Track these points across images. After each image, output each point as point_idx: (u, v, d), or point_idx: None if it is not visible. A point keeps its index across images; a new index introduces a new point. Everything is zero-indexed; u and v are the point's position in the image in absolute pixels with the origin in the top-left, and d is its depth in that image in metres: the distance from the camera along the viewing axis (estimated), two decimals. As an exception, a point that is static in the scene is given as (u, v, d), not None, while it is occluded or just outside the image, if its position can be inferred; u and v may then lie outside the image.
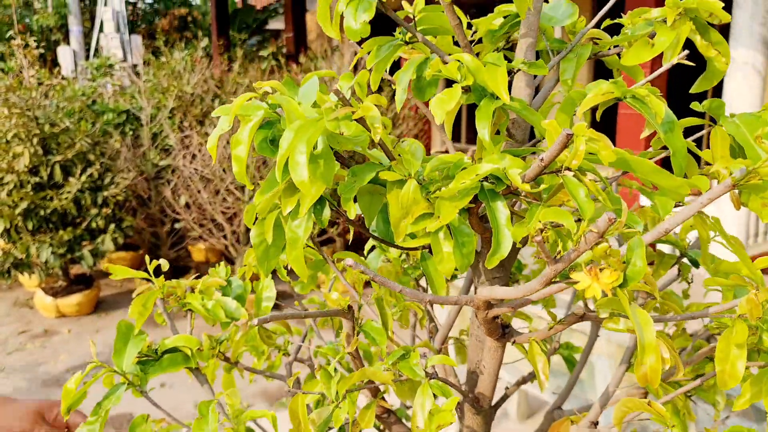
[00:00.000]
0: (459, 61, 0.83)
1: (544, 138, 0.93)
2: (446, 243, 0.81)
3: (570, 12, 0.95)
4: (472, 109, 0.84)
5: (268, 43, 11.92)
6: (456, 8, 0.94)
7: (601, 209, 0.81)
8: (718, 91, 4.50)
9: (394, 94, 1.08)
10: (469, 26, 1.05)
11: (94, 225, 5.07)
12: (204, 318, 1.06)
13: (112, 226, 5.14)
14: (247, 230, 5.09)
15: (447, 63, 0.86)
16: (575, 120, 0.84)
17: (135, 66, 8.22)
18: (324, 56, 7.58)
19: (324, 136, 0.78)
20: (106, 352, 4.18)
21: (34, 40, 5.54)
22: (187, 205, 5.45)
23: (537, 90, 1.03)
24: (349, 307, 0.93)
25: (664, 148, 0.92)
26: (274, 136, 0.82)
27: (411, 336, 1.37)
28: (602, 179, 0.79)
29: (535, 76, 0.98)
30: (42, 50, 5.71)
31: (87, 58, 9.57)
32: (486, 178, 0.79)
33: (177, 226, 5.66)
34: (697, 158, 0.92)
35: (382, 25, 0.99)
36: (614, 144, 5.30)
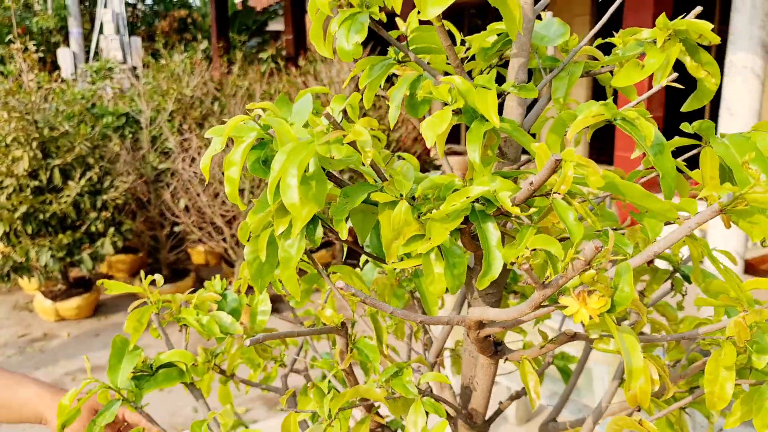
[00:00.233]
0: (450, 83, 0.84)
1: (536, 156, 0.93)
2: (437, 264, 0.81)
3: (562, 31, 0.95)
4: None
5: (268, 45, 11.93)
6: (449, 24, 0.95)
7: (591, 228, 0.82)
8: (717, 95, 4.50)
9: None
10: (463, 42, 1.05)
11: (93, 228, 5.08)
12: (199, 333, 1.07)
13: (112, 229, 5.15)
14: (247, 233, 5.08)
15: (439, 83, 0.86)
16: (566, 141, 0.84)
17: (134, 68, 8.23)
18: (323, 59, 7.59)
19: (316, 157, 0.79)
20: (106, 356, 4.18)
21: (34, 44, 5.55)
22: (187, 208, 5.46)
23: (533, 104, 1.03)
24: (343, 324, 0.93)
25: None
26: (267, 156, 0.82)
27: (407, 348, 1.37)
28: (590, 201, 0.79)
29: (528, 94, 0.99)
30: (41, 53, 5.71)
31: (87, 60, 9.58)
32: (477, 199, 0.80)
33: (176, 229, 5.67)
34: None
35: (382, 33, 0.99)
36: (613, 146, 5.31)
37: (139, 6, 13.77)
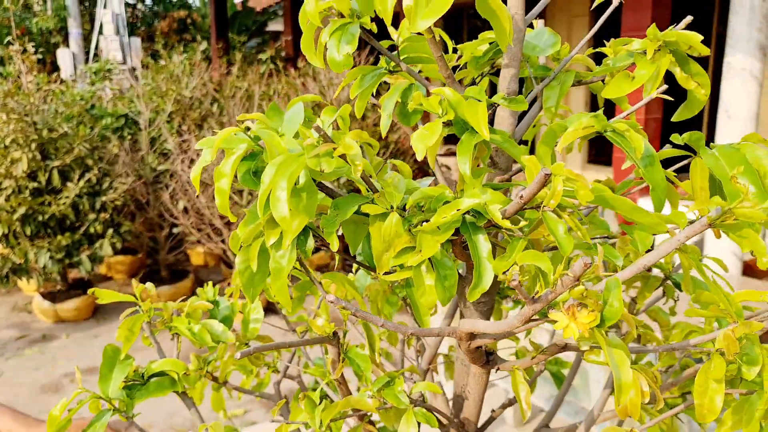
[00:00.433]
0: (440, 94, 0.84)
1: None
2: (428, 276, 0.81)
3: (553, 41, 0.96)
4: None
5: (268, 45, 11.92)
6: (440, 31, 0.95)
7: (581, 240, 0.82)
8: (715, 97, 4.50)
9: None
10: (455, 50, 1.05)
11: (92, 230, 5.08)
12: (191, 341, 1.07)
13: (110, 231, 5.15)
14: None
15: (430, 94, 0.87)
16: (556, 152, 0.84)
17: (134, 69, 8.23)
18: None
19: (306, 169, 0.79)
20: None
21: (33, 45, 5.55)
22: (186, 210, 5.46)
23: (525, 111, 1.03)
24: (335, 333, 0.93)
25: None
26: (257, 168, 0.82)
27: (399, 354, 1.37)
28: (578, 213, 0.79)
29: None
30: (40, 55, 5.71)
31: (87, 60, 9.58)
32: (468, 211, 0.80)
33: (175, 230, 5.67)
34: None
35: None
36: (612, 147, 5.30)
37: (139, 6, 13.77)
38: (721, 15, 6.34)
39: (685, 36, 0.83)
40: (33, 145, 4.83)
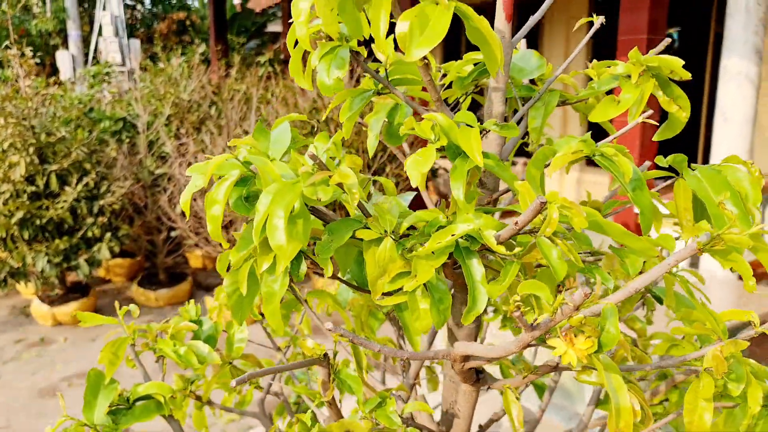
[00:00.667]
0: (432, 120, 0.84)
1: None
2: (423, 300, 0.82)
3: (539, 64, 0.97)
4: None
5: (267, 47, 11.93)
6: (429, 55, 0.95)
7: (574, 264, 0.82)
8: (712, 101, 4.51)
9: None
10: (439, 69, 1.06)
11: (90, 234, 5.08)
12: (177, 363, 1.07)
13: (108, 234, 5.15)
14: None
15: (418, 115, 0.87)
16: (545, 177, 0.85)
17: (132, 72, 8.23)
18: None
19: (300, 198, 0.79)
20: (102, 363, 4.18)
21: (31, 49, 5.55)
22: (183, 213, 5.46)
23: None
24: (325, 355, 0.94)
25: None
26: (249, 193, 0.83)
27: (381, 371, 1.37)
28: (569, 236, 0.80)
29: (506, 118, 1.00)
30: (38, 59, 5.71)
31: (86, 62, 9.58)
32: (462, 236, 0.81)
33: (173, 234, 5.67)
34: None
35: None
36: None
37: (138, 8, 13.77)
38: (719, 15, 6.35)
39: (667, 61, 0.84)
40: (31, 149, 4.84)
